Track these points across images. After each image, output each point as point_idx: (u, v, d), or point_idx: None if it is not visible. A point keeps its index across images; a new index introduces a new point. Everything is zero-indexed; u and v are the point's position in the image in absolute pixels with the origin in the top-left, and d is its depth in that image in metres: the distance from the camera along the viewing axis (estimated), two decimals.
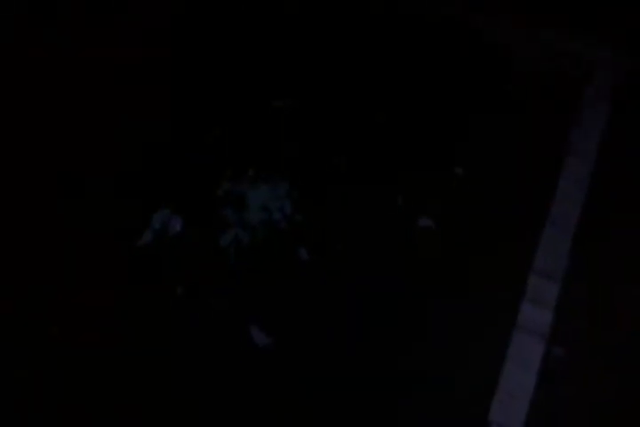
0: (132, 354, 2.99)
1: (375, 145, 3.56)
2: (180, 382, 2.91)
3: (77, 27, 3.90)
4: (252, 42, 3.77)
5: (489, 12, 3.67)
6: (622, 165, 3.56)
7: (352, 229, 3.35)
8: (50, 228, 3.30)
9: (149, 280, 3.16)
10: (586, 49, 3.62)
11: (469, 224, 3.42)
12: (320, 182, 3.44)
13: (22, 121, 3.69)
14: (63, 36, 3.86)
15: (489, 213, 3.46)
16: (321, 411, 2.84)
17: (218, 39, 3.81)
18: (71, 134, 3.63)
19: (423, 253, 3.32)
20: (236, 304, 3.15)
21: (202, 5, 3.85)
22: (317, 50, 3.75)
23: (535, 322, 3.18)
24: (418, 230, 3.37)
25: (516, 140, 3.60)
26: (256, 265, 3.24)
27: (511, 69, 3.64)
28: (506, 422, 2.92)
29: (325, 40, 3.77)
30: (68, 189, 3.38)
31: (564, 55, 3.62)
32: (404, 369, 2.99)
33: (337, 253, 3.28)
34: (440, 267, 3.28)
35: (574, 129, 3.60)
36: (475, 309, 3.19)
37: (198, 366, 2.97)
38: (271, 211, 3.38)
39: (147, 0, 3.87)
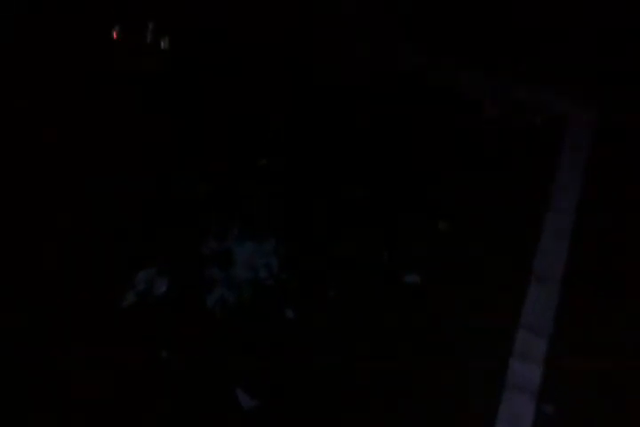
0: (117, 417, 2.89)
1: (359, 200, 3.59)
2: None
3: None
4: (235, 99, 3.82)
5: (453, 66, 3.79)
6: (603, 217, 3.64)
7: (339, 286, 3.34)
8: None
9: (133, 343, 3.08)
10: (554, 100, 3.74)
11: (455, 280, 3.43)
12: (306, 238, 3.44)
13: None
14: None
15: (474, 268, 3.48)
16: None
17: (202, 97, 3.85)
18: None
19: (410, 310, 3.31)
20: (222, 366, 3.09)
21: (187, 63, 3.91)
22: (301, 106, 3.81)
23: (524, 378, 3.16)
24: (405, 287, 3.37)
25: (497, 194, 3.66)
26: (242, 325, 3.19)
27: (482, 122, 3.74)
28: None
29: (309, 97, 3.84)
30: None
31: (534, 107, 3.73)
32: None
33: (324, 313, 3.25)
34: (428, 324, 3.27)
35: (553, 182, 3.69)
36: (464, 366, 3.17)
37: None
38: (257, 268, 3.35)
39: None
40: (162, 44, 3.58)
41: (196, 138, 3.68)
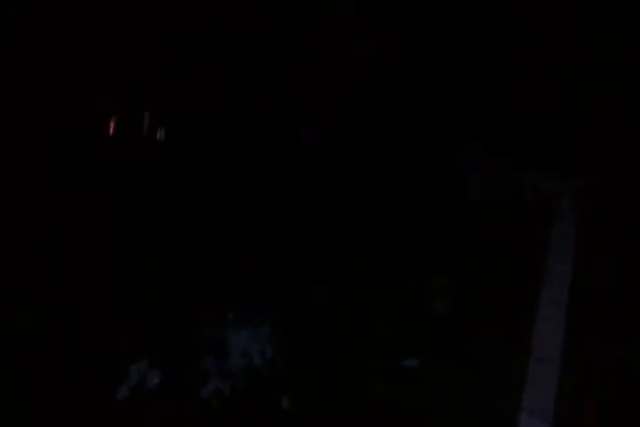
0: None
1: (356, 281, 3.59)
2: None
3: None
4: (228, 184, 3.88)
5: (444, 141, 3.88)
6: (598, 293, 3.63)
7: (336, 374, 3.29)
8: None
9: None
10: (544, 179, 3.81)
11: (453, 363, 3.39)
12: (302, 325, 3.42)
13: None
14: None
15: (472, 351, 3.45)
16: None
17: (196, 181, 3.91)
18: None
19: (409, 396, 3.24)
20: None
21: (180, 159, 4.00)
22: (298, 192, 3.87)
23: None
24: (402, 371, 3.32)
25: (490, 272, 3.67)
26: (238, 417, 3.12)
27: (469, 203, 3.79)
28: None
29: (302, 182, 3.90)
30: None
31: (525, 186, 3.80)
32: None
33: (321, 402, 3.19)
34: (426, 409, 3.20)
35: (546, 258, 3.71)
36: None
37: None
38: (252, 356, 3.31)
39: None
40: (158, 135, 3.66)
41: (188, 223, 3.72)
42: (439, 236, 3.72)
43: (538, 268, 3.67)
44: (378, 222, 3.73)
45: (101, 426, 3.04)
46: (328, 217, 3.74)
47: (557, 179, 3.71)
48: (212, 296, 3.48)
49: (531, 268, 3.67)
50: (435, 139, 3.94)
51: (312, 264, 3.61)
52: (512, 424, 3.19)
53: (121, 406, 3.09)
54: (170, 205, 3.82)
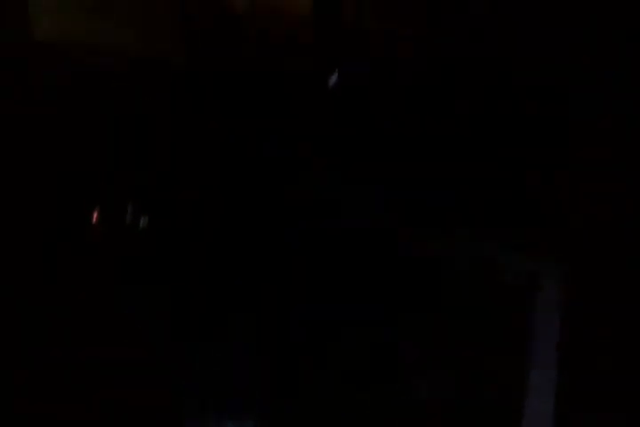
0: None
1: (339, 364, 3.53)
2: None
3: None
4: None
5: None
6: (585, 370, 3.61)
7: None
8: None
9: None
10: (524, 259, 3.81)
11: None
12: (289, 415, 3.35)
13: None
14: None
15: None
16: None
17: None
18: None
19: None
20: None
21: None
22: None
23: None
24: None
25: (474, 355, 3.64)
26: None
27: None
28: None
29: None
30: None
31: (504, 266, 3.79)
32: None
33: None
34: None
35: (531, 339, 3.71)
36: None
37: None
38: None
39: None
40: (141, 223, 3.61)
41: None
42: (419, 315, 3.68)
43: (521, 349, 3.64)
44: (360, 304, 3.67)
45: None
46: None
47: (541, 261, 3.71)
48: (194, 383, 3.39)
49: (514, 348, 3.64)
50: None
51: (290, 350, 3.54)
52: None
53: None
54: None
